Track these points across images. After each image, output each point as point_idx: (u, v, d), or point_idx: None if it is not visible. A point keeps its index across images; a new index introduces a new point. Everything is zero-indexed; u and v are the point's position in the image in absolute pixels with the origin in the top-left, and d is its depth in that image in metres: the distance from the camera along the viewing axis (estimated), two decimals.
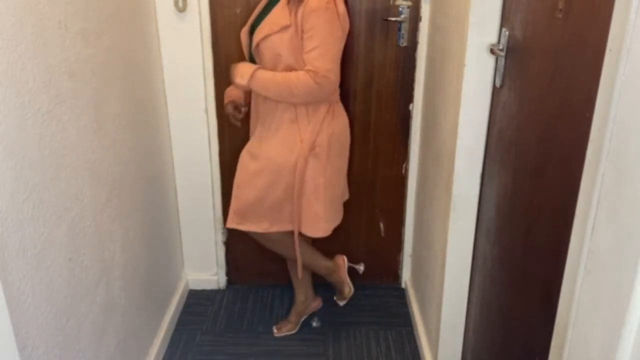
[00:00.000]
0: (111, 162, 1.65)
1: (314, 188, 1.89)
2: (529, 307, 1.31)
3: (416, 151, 2.34)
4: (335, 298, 2.32)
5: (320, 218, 1.93)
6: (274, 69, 1.81)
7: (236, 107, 2.00)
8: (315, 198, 1.90)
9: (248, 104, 2.00)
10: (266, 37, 1.77)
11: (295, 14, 1.73)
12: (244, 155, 1.98)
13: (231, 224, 2.00)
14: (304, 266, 2.13)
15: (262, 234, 2.01)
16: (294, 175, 1.87)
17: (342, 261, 2.24)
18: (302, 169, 1.86)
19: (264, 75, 1.80)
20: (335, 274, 2.21)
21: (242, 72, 1.82)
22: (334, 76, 1.76)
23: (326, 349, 2.19)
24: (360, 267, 2.33)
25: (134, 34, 1.88)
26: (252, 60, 1.89)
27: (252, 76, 1.80)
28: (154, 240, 2.08)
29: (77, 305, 1.41)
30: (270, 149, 1.89)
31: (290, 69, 1.78)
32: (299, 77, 1.74)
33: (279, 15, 1.76)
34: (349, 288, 2.25)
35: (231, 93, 2.02)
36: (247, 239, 2.49)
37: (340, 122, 1.93)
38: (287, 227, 1.97)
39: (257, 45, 1.81)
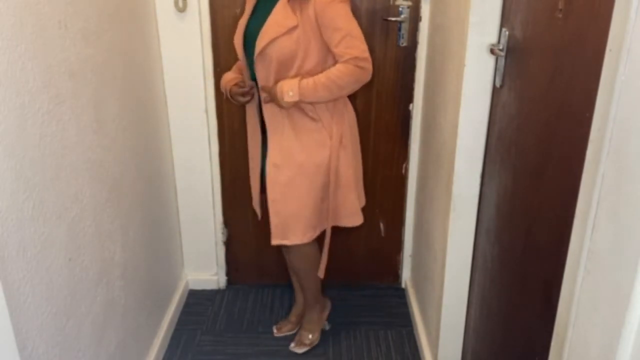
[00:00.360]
0: (111, 162, 1.65)
1: (346, 179, 1.89)
2: (529, 307, 1.31)
3: (416, 151, 2.34)
4: (292, 345, 2.19)
5: (356, 207, 1.96)
6: (284, 72, 1.76)
7: (237, 85, 1.90)
8: (349, 189, 1.91)
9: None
10: (273, 40, 1.72)
11: (301, 12, 1.70)
12: (269, 170, 1.88)
13: (276, 240, 1.92)
14: (306, 288, 2.16)
15: (297, 252, 2.01)
16: (328, 173, 1.86)
17: (329, 307, 2.30)
18: (335, 163, 1.85)
19: (309, 83, 1.72)
20: (321, 313, 2.25)
21: (288, 90, 1.73)
22: (369, 54, 1.75)
23: (326, 349, 2.19)
24: (326, 326, 2.31)
25: (134, 34, 1.88)
26: (251, 67, 1.83)
27: (299, 90, 1.72)
28: (154, 240, 2.08)
29: (77, 305, 1.41)
30: (298, 154, 1.83)
31: (300, 68, 1.75)
32: (342, 70, 1.71)
33: (282, 16, 1.72)
34: (316, 336, 2.22)
35: (228, 78, 1.95)
36: (247, 239, 2.50)
37: (352, 109, 1.95)
38: (326, 225, 1.97)
39: (262, 50, 1.74)
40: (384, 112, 2.30)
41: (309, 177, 1.84)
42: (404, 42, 2.20)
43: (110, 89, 1.65)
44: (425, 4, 2.12)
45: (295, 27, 1.70)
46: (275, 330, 2.27)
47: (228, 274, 2.58)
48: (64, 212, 1.35)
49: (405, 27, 2.17)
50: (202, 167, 2.35)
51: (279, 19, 1.72)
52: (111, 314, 1.64)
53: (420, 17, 2.14)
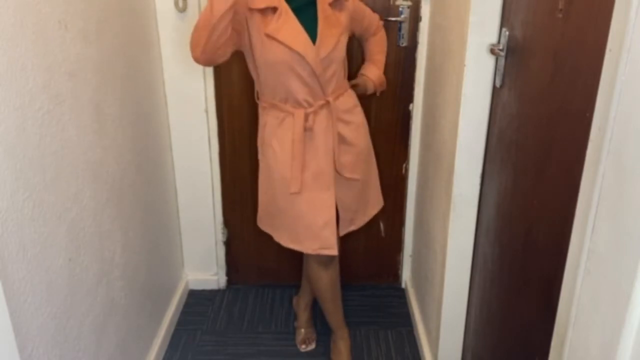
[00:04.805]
0: (111, 162, 1.65)
1: None
2: (529, 307, 1.31)
3: (416, 151, 2.34)
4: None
5: None
6: (336, 73, 1.76)
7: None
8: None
9: None
10: (336, 45, 1.71)
11: (340, 11, 1.76)
12: (350, 159, 1.86)
13: (365, 218, 1.99)
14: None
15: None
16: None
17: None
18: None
19: (381, 61, 2.01)
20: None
21: (383, 80, 1.98)
22: None
23: (326, 349, 2.19)
24: None
25: (134, 34, 1.88)
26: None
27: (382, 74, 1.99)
28: (154, 240, 2.08)
29: (77, 305, 1.42)
30: (366, 144, 1.94)
31: (343, 66, 1.82)
32: (384, 38, 2.01)
33: (334, 19, 1.72)
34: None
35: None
36: (247, 239, 2.50)
37: None
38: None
39: (325, 57, 1.70)
40: (384, 112, 2.30)
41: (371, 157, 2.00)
42: (404, 42, 2.20)
43: (110, 89, 1.65)
44: (425, 4, 2.12)
45: (345, 28, 1.78)
46: (302, 346, 2.19)
47: (228, 274, 2.58)
48: (64, 212, 1.35)
49: (405, 27, 2.17)
50: (202, 167, 2.35)
51: (333, 22, 1.72)
52: (111, 314, 1.64)
53: (420, 17, 2.14)
